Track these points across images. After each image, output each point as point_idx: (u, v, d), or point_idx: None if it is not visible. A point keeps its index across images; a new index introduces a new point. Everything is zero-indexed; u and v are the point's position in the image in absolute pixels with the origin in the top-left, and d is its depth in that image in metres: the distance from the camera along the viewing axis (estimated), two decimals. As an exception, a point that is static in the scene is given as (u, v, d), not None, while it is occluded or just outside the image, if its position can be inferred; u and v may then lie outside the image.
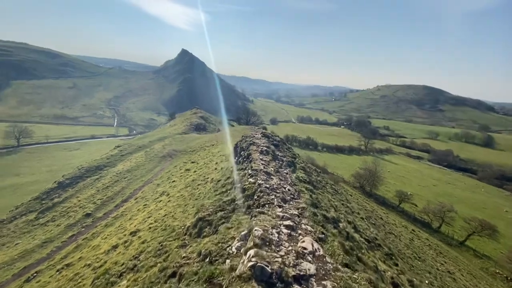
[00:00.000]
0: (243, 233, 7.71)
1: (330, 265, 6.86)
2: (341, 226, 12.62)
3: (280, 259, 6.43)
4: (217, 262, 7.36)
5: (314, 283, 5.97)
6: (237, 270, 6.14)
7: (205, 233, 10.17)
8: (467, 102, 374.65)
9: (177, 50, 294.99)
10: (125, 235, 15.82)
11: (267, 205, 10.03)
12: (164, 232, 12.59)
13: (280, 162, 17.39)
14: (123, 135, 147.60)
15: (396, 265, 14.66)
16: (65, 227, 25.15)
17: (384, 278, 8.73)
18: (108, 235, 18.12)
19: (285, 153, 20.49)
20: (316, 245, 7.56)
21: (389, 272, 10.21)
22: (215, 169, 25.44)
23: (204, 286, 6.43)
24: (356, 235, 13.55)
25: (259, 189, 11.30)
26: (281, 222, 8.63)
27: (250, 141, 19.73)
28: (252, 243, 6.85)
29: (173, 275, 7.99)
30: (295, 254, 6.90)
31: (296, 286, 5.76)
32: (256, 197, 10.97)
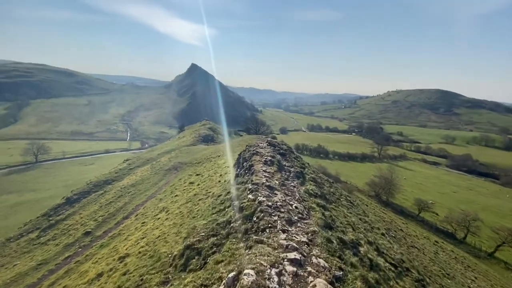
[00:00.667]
0: (230, 275, 5.60)
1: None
2: (362, 251, 10.25)
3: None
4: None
5: None
6: None
7: (191, 266, 8.12)
8: (484, 104, 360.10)
9: (187, 65, 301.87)
10: (114, 259, 13.96)
11: (268, 230, 7.89)
12: (150, 261, 10.61)
13: (287, 174, 15.23)
14: (136, 149, 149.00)
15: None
16: (63, 247, 23.64)
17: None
18: (99, 258, 16.32)
19: (292, 162, 18.31)
20: (332, 292, 5.36)
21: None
22: (219, 181, 23.47)
23: None
24: (381, 260, 11.09)
25: (259, 208, 9.19)
26: (285, 254, 6.48)
27: (254, 150, 17.72)
28: (240, 297, 4.78)
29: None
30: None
31: None
32: (255, 219, 8.85)
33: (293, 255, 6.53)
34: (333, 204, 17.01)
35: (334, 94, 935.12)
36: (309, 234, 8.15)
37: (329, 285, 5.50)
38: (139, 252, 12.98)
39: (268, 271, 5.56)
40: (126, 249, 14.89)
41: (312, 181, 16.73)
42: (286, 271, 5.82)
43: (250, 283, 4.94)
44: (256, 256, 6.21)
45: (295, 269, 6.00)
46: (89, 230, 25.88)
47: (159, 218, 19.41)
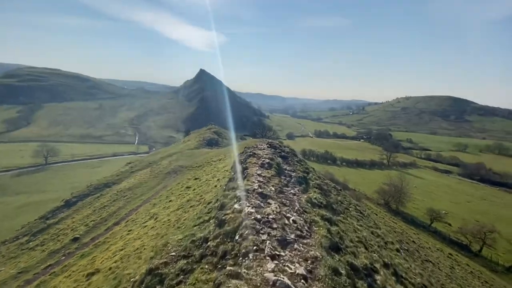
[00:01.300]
0: None
1: None
2: (379, 281, 7.86)
3: None
4: None
5: None
6: None
7: (148, 302, 5.97)
8: (497, 112, 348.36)
9: (195, 71, 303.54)
10: (83, 275, 11.94)
11: (251, 255, 5.64)
12: (113, 283, 8.48)
13: (287, 179, 12.96)
14: (143, 152, 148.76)
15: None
16: (48, 254, 21.80)
17: None
18: (73, 271, 14.34)
19: (295, 166, 16.01)
20: None
21: None
22: (215, 186, 21.34)
23: None
24: (401, 290, 8.66)
25: (244, 223, 6.97)
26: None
27: (251, 152, 15.54)
28: None
29: None
30: None
31: None
32: (238, 238, 6.62)
33: (282, 299, 4.29)
34: (341, 215, 14.57)
35: (343, 100, 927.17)
36: (309, 262, 5.84)
37: None
38: (109, 269, 10.89)
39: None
40: (101, 263, 12.83)
41: (316, 188, 14.38)
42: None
43: None
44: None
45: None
46: (78, 236, 24.04)
47: (145, 226, 17.34)
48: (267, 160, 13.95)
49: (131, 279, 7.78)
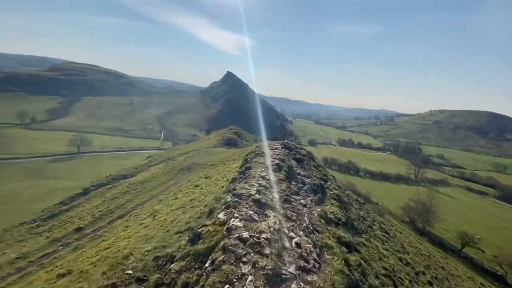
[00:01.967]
0: None
1: None
2: None
3: None
4: None
5: None
6: None
7: None
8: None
9: (223, 72, 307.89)
10: (57, 275, 10.43)
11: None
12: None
13: (299, 185, 10.53)
14: (167, 148, 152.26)
15: None
16: (50, 242, 21.13)
17: None
18: (55, 267, 13.02)
19: (310, 172, 13.47)
20: None
21: None
22: (222, 187, 19.33)
23: None
24: None
25: (222, 243, 4.74)
26: None
27: (259, 151, 13.31)
28: None
29: None
30: None
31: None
32: (209, 265, 4.40)
33: None
34: (364, 235, 11.78)
35: (370, 109, 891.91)
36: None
37: None
38: (80, 272, 9.18)
39: None
40: (81, 262, 11.24)
41: (335, 199, 11.73)
42: None
43: None
44: None
45: None
46: (82, 226, 23.28)
47: (141, 224, 15.72)
48: (277, 161, 11.61)
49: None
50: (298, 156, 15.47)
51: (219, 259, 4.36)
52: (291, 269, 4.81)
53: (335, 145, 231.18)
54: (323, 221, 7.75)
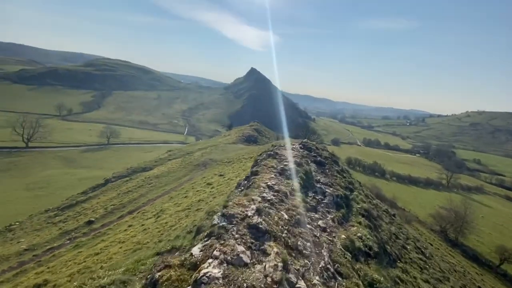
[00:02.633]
0: None
1: None
2: None
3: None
4: None
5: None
6: None
7: None
8: None
9: (247, 69, 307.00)
10: (33, 286, 9.21)
11: None
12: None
13: (318, 197, 8.27)
14: (188, 143, 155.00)
15: None
16: (60, 234, 20.81)
17: None
18: (47, 269, 12.01)
19: (333, 179, 11.06)
20: None
21: None
22: (234, 187, 17.50)
23: None
24: None
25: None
26: None
27: (272, 151, 11.14)
28: None
29: None
30: None
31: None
32: None
33: None
34: (399, 263, 9.22)
35: (399, 109, 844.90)
36: None
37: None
38: (53, 286, 7.74)
39: None
40: (66, 268, 9.97)
41: (363, 215, 9.26)
42: None
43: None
44: None
45: None
46: (93, 219, 22.81)
47: (142, 225, 14.37)
48: (291, 165, 9.40)
49: None
50: (318, 158, 13.05)
51: None
52: None
53: (360, 145, 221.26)
54: (348, 255, 5.48)
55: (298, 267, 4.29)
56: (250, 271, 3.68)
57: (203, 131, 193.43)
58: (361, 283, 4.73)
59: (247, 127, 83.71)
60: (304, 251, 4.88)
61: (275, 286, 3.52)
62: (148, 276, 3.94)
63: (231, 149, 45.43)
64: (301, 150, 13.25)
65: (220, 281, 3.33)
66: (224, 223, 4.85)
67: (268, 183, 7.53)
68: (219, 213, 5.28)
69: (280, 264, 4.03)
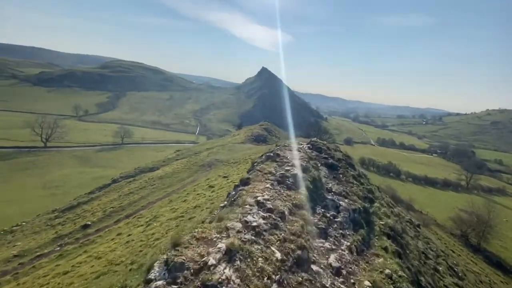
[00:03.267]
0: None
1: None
2: None
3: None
4: None
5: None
6: None
7: None
8: None
9: (258, 69, 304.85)
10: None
11: None
12: None
13: (329, 214, 6.06)
14: (197, 143, 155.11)
15: None
16: (53, 239, 19.59)
17: None
18: (15, 286, 10.49)
19: (349, 186, 8.80)
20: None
21: None
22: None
23: None
24: None
25: None
26: None
27: (272, 152, 9.01)
28: None
29: None
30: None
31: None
32: None
33: None
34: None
35: (415, 108, 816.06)
36: None
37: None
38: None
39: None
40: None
41: (388, 236, 6.99)
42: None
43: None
44: None
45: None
46: (89, 223, 21.53)
47: (129, 235, 12.67)
48: (295, 170, 7.25)
49: None
50: (330, 161, 10.79)
51: None
52: None
53: (373, 145, 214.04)
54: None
55: None
56: None
57: (214, 131, 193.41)
58: None
59: (256, 126, 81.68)
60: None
61: None
62: None
63: (238, 149, 43.54)
64: (309, 151, 11.03)
65: None
66: (162, 282, 2.87)
67: (259, 198, 5.44)
68: (161, 260, 3.29)
69: None
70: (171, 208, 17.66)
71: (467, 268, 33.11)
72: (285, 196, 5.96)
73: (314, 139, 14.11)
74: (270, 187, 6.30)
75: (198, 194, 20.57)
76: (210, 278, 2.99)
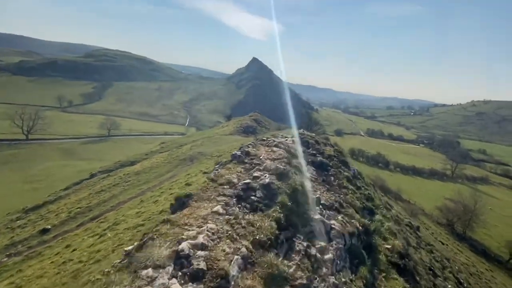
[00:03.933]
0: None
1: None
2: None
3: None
4: None
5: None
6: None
7: None
8: None
9: (249, 59, 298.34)
10: None
11: None
12: None
13: (314, 253, 3.79)
14: (186, 134, 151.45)
15: None
16: (5, 246, 16.83)
17: None
18: None
19: (342, 193, 6.50)
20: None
21: None
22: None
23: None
24: None
25: None
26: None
27: (241, 149, 6.57)
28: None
29: None
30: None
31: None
32: None
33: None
34: None
35: (403, 99, 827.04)
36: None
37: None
38: None
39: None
40: None
41: (398, 267, 4.85)
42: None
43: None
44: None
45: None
46: (49, 227, 18.81)
47: (73, 250, 10.13)
48: (265, 178, 4.83)
49: None
50: (319, 158, 8.42)
51: None
52: None
53: (363, 136, 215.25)
54: None
55: None
56: None
57: (205, 122, 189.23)
58: None
59: (246, 117, 78.90)
60: None
61: None
62: None
63: (224, 141, 40.95)
64: (293, 146, 8.64)
65: None
66: None
67: (185, 246, 2.90)
68: None
69: None
70: (137, 211, 15.13)
71: (455, 260, 32.38)
72: (242, 228, 3.60)
73: (301, 130, 11.73)
74: (222, 210, 3.93)
75: (172, 194, 18.05)
76: None
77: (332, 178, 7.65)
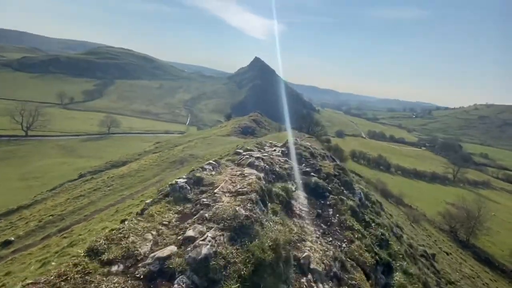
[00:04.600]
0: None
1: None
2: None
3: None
4: None
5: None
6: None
7: None
8: None
9: (250, 58, 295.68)
10: None
11: None
12: None
13: None
14: (183, 134, 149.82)
15: None
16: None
17: None
18: None
19: (343, 242, 4.22)
20: None
21: None
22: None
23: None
24: None
25: None
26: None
27: (191, 176, 4.26)
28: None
29: None
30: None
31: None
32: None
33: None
34: None
35: (405, 101, 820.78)
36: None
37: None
38: None
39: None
40: None
41: None
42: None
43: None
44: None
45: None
46: (12, 238, 16.55)
47: (37, 268, 7.81)
48: (207, 245, 2.54)
49: None
50: (314, 179, 5.98)
51: None
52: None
53: (364, 138, 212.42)
54: None
55: None
56: None
57: (205, 121, 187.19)
58: None
59: (245, 117, 76.56)
60: None
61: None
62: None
63: (219, 142, 38.57)
64: (281, 161, 6.16)
65: None
66: None
67: None
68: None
69: None
70: (103, 227, 12.83)
71: (461, 270, 29.80)
72: None
73: (295, 139, 9.32)
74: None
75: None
76: None
77: (331, 210, 5.24)
